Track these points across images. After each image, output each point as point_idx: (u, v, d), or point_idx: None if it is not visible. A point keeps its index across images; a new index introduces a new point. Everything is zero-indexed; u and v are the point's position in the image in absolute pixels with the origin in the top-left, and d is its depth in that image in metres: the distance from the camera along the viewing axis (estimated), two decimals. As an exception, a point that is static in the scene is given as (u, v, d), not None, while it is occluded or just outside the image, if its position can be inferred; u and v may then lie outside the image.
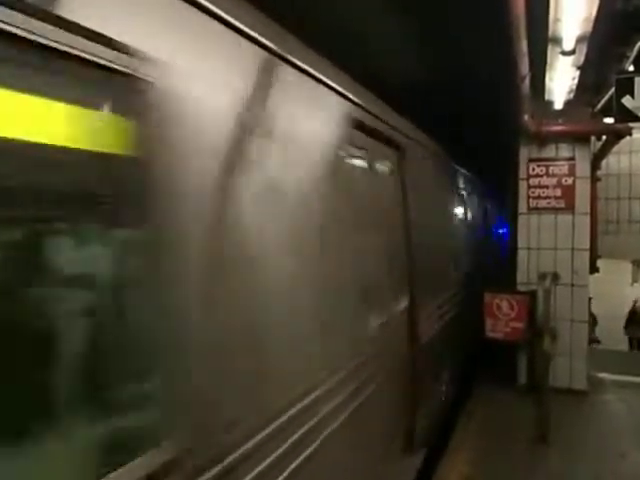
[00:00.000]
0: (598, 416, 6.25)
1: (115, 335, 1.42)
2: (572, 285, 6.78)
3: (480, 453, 5.16)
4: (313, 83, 2.63)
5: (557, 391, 6.23)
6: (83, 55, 1.27)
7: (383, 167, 4.04)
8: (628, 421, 6.01)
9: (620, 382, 7.59)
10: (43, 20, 1.17)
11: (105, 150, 1.37)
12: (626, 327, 14.06)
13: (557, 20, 4.28)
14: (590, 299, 7.62)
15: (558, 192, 6.84)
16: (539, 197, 6.92)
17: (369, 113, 3.46)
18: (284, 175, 2.22)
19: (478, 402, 6.53)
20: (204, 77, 1.74)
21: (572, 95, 6.21)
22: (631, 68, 5.43)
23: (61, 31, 1.21)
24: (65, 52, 1.23)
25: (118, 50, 1.36)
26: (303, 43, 2.67)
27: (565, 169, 6.84)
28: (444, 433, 5.53)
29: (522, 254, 7.02)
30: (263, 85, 2.12)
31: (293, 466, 2.03)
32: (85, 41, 1.27)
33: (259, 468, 1.81)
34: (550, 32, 4.48)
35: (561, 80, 5.64)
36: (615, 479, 4.66)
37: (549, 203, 6.87)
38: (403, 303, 4.15)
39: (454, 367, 6.37)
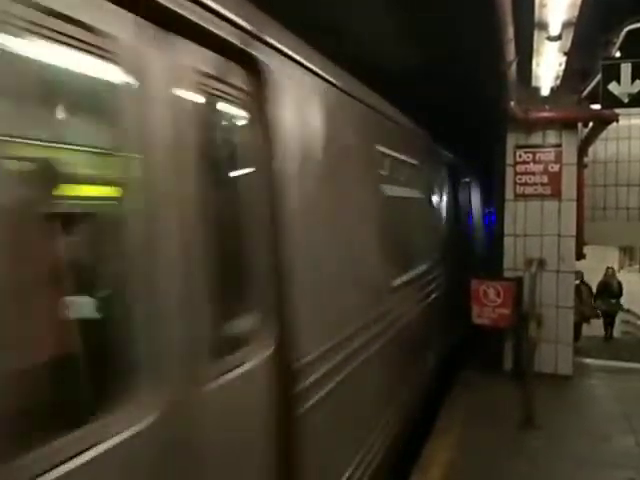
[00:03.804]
0: (583, 401, 6.34)
1: None
2: (558, 271, 6.83)
3: (465, 437, 5.20)
4: None
5: (543, 376, 6.30)
6: None
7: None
8: (612, 405, 6.08)
9: (605, 367, 7.69)
10: None
11: None
12: (595, 299, 12.45)
13: (543, 5, 4.27)
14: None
15: (545, 179, 6.86)
16: (526, 184, 6.93)
17: None
18: None
19: (464, 387, 6.57)
20: None
21: (559, 81, 6.20)
22: (617, 54, 5.42)
23: None
24: None
25: None
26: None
27: (552, 156, 6.86)
28: (429, 417, 5.57)
29: (508, 240, 7.05)
30: None
31: None
32: None
33: None
34: (536, 17, 4.46)
35: (548, 66, 5.63)
36: (599, 462, 4.71)
37: (535, 190, 6.89)
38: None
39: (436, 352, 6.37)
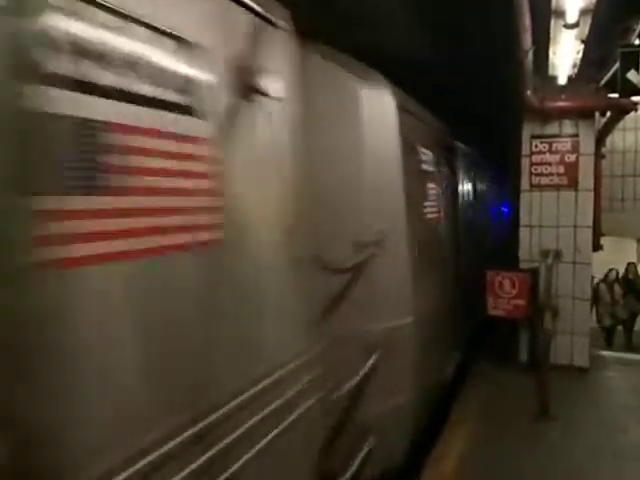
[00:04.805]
0: (600, 393, 6.27)
1: None
2: (574, 263, 6.75)
3: (480, 429, 5.19)
4: None
5: (559, 368, 6.26)
6: None
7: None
8: (630, 397, 6.02)
9: (622, 359, 7.61)
10: None
11: None
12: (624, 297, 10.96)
13: (560, -8, 4.21)
14: (593, 277, 7.59)
15: (561, 169, 6.77)
16: (541, 174, 6.85)
17: None
18: None
19: (479, 379, 6.55)
20: None
21: (576, 70, 6.11)
22: (637, 42, 5.32)
23: None
24: None
25: None
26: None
27: (568, 146, 6.77)
28: (444, 409, 5.56)
29: (524, 231, 6.99)
30: None
31: None
32: None
33: None
34: (553, 4, 4.40)
35: (565, 54, 5.54)
36: (616, 453, 4.67)
37: (551, 180, 6.81)
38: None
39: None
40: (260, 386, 2.22)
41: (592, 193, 6.78)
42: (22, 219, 1.33)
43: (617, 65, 5.29)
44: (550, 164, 6.81)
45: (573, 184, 6.75)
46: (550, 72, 6.19)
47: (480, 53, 5.35)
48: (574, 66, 5.96)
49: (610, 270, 10.73)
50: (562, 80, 6.38)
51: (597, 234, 7.28)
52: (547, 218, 6.86)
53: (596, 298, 10.17)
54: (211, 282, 2.03)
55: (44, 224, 1.37)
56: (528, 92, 6.20)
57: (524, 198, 7.01)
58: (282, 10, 2.69)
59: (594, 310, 10.00)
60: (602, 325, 10.30)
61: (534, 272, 6.56)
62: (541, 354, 5.64)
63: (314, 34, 3.32)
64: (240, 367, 2.15)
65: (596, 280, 9.79)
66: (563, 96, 6.63)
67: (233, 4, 2.25)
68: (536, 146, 6.87)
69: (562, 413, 5.39)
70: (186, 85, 1.92)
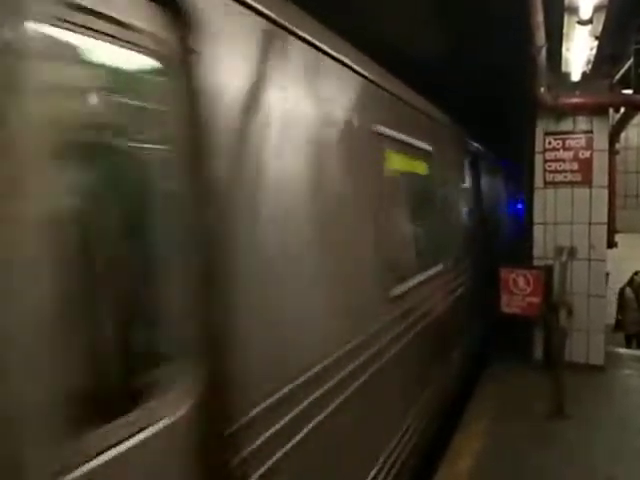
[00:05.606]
0: (616, 391, 6.23)
1: None
2: (589, 260, 6.72)
3: (494, 427, 5.18)
4: None
5: (574, 366, 6.22)
6: None
7: None
8: (647, 396, 5.98)
9: (639, 357, 7.55)
10: None
11: None
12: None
13: (574, -12, 4.19)
14: (607, 274, 7.51)
15: (575, 166, 6.73)
16: (555, 171, 6.81)
17: None
18: None
19: (493, 377, 6.54)
20: None
21: (590, 66, 6.07)
22: (651, 37, 5.30)
23: None
24: None
25: None
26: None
27: (582, 142, 6.72)
28: (457, 409, 5.56)
29: (538, 229, 6.95)
30: None
31: None
32: None
33: None
34: (566, 1, 4.38)
35: (578, 51, 5.51)
36: (634, 454, 4.62)
37: (565, 177, 6.77)
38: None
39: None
40: None
41: (606, 190, 6.73)
42: None
43: (631, 61, 5.27)
44: (564, 161, 6.77)
45: (587, 181, 6.71)
46: (564, 68, 6.15)
47: (494, 49, 5.34)
48: (588, 62, 5.92)
49: (636, 273, 10.22)
50: (576, 76, 6.34)
51: (612, 231, 7.23)
52: (561, 215, 6.82)
53: (621, 304, 9.86)
54: None
55: None
56: (542, 88, 6.17)
57: (538, 195, 6.97)
58: None
59: (616, 317, 9.66)
60: (627, 333, 9.84)
61: (548, 269, 6.53)
62: (556, 352, 5.62)
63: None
64: None
65: (612, 280, 9.31)
66: (577, 92, 6.58)
67: None
68: (550, 143, 6.83)
69: (577, 412, 5.36)
70: None
